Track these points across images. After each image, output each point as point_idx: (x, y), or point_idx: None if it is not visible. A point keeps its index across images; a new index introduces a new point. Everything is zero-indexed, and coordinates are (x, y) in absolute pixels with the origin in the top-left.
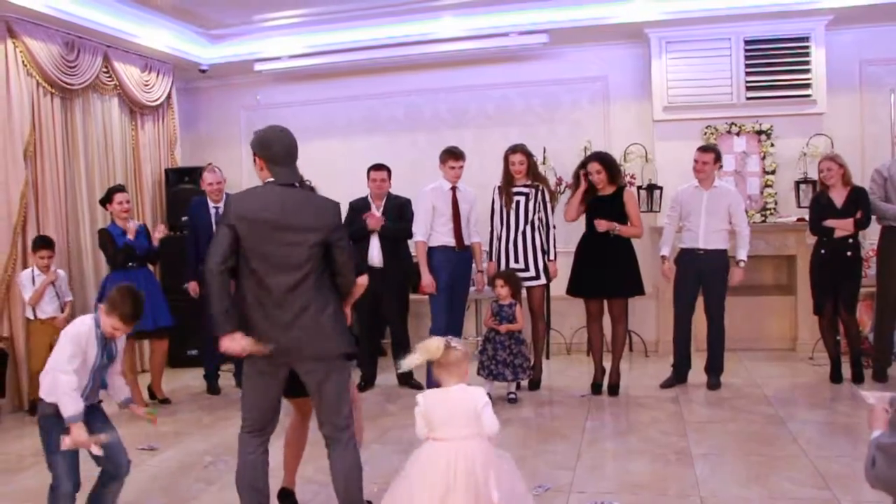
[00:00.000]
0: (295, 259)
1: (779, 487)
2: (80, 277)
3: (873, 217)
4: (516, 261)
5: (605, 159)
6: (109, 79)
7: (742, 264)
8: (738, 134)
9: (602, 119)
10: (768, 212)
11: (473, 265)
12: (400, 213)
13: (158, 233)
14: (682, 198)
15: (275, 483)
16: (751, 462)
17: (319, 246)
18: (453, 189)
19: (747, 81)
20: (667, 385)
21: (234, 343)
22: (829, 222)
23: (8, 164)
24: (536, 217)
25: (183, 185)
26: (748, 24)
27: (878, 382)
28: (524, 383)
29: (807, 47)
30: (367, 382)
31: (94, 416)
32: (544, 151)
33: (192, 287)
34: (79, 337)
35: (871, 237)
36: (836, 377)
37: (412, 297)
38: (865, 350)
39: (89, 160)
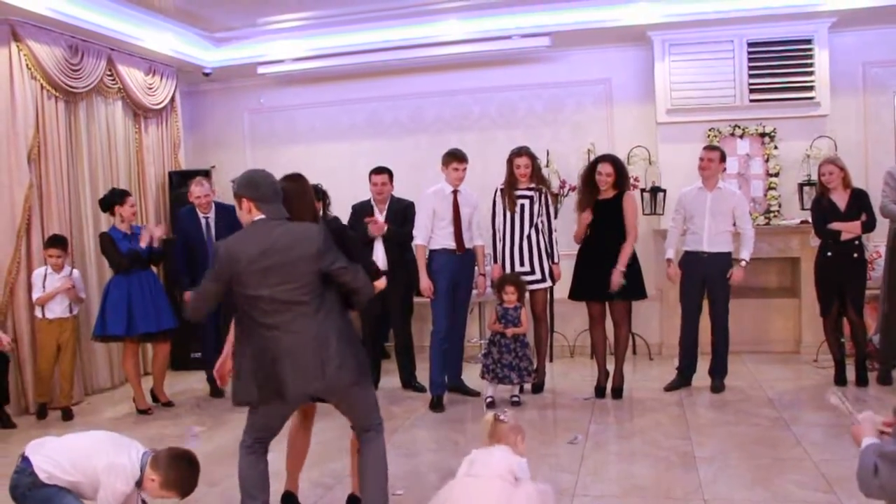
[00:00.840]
0: (291, 294)
1: (783, 490)
2: (83, 280)
3: (883, 219)
4: (521, 264)
5: (617, 163)
6: (113, 82)
7: (744, 264)
8: (741, 136)
9: (605, 122)
10: (772, 214)
11: (475, 268)
12: (404, 216)
13: (159, 231)
14: (685, 200)
15: (278, 487)
16: (755, 465)
17: (312, 277)
18: (455, 192)
19: (750, 84)
20: (671, 388)
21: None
22: (836, 225)
23: (12, 167)
24: (540, 220)
25: (186, 188)
26: (751, 27)
27: (883, 386)
28: (527, 386)
29: (810, 49)
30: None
31: None
32: (548, 154)
33: (189, 297)
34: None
35: (874, 239)
36: (840, 380)
37: (416, 300)
38: (870, 353)
39: (93, 163)
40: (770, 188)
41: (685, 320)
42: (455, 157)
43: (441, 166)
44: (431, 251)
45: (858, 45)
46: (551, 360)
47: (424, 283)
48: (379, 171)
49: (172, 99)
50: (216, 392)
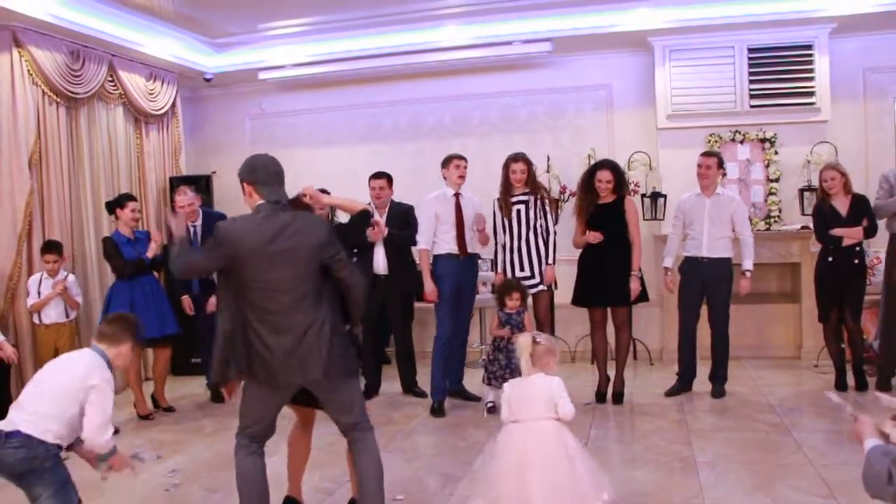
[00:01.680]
0: (291, 282)
1: (783, 496)
2: (84, 285)
3: (880, 223)
4: (521, 269)
5: (616, 169)
6: (114, 87)
7: (749, 274)
8: (741, 142)
9: (606, 127)
10: (772, 219)
11: (478, 272)
12: (404, 220)
13: (160, 238)
14: (685, 206)
15: (279, 492)
16: (755, 470)
17: (314, 266)
18: (456, 195)
19: (751, 89)
20: (671, 393)
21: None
22: (838, 231)
23: (13, 172)
24: (538, 224)
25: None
26: (751, 33)
27: (883, 391)
28: None
29: (810, 55)
30: (372, 391)
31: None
32: (548, 160)
33: (187, 302)
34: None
35: (875, 245)
36: (840, 385)
37: (417, 304)
38: (869, 358)
39: (94, 169)
40: (770, 193)
41: (683, 326)
42: (455, 156)
43: (442, 169)
44: (435, 256)
45: (859, 51)
46: None
47: (429, 287)
48: (377, 175)
49: (173, 104)
50: (216, 397)
